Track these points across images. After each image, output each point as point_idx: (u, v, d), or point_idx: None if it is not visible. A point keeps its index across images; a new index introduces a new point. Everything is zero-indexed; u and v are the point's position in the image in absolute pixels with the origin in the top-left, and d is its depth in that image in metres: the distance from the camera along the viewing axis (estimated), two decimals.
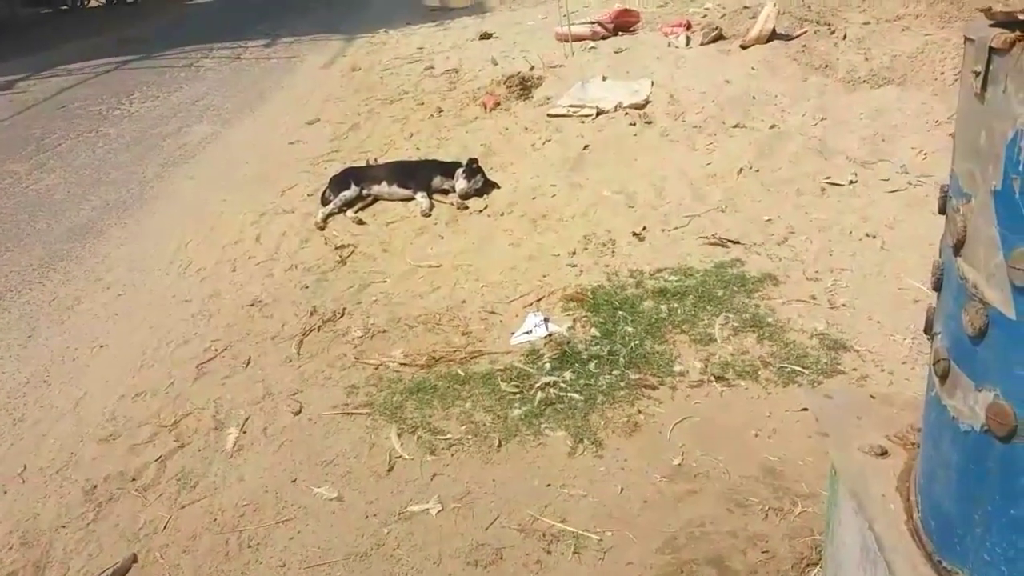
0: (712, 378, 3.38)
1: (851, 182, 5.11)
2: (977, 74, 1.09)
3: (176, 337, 4.13)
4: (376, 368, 3.68)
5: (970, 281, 1.16)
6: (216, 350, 3.96)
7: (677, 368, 3.46)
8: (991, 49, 1.07)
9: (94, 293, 4.70)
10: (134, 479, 3.05)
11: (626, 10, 10.46)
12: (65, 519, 2.85)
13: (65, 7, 21.99)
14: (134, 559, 2.60)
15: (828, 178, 5.18)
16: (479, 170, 5.82)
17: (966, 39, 1.15)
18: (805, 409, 3.17)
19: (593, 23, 10.13)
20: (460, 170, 5.78)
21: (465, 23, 13.78)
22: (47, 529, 2.83)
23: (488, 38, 11.59)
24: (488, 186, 5.85)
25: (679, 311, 3.85)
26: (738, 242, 4.47)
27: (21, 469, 3.15)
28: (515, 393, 3.38)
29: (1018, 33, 1.05)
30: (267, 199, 6.02)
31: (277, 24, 15.60)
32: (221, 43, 13.66)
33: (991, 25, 1.13)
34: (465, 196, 5.72)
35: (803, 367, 3.41)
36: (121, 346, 4.08)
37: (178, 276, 4.88)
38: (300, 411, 3.39)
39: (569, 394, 3.33)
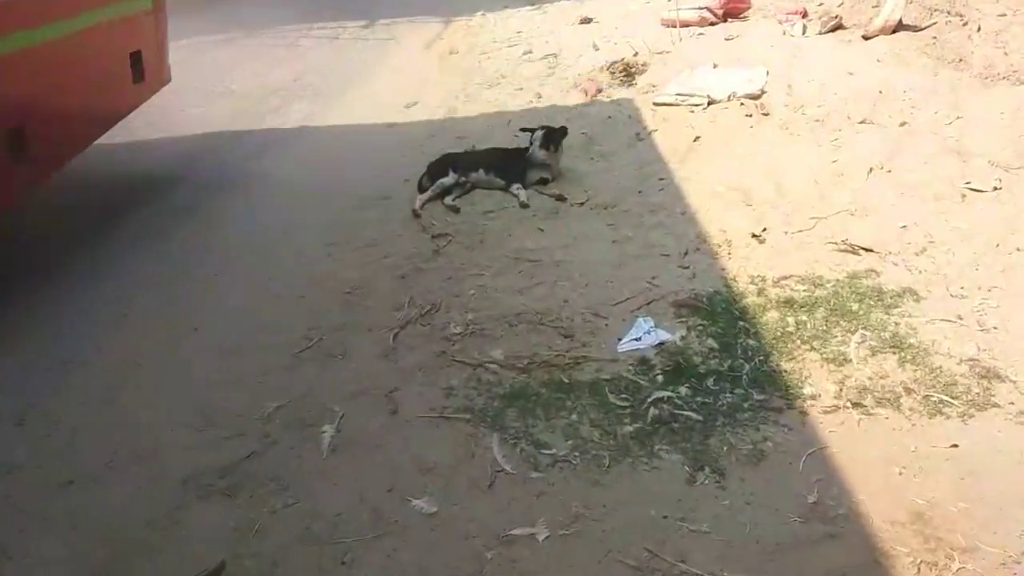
0: (848, 404, 3.05)
1: (995, 188, 4.63)
2: None
3: (270, 323, 4.02)
4: (475, 368, 3.47)
5: None
6: (310, 339, 3.82)
7: (808, 390, 3.13)
8: None
9: (190, 273, 4.65)
10: (223, 476, 2.92)
11: None
12: (152, 516, 2.74)
13: None
14: (223, 566, 2.47)
15: (968, 183, 4.70)
16: (557, 136, 5.55)
17: None
18: (956, 445, 2.82)
19: (701, 8, 9.65)
20: (539, 132, 5.52)
21: (564, 6, 13.42)
22: (134, 526, 2.72)
23: (588, 22, 11.23)
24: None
25: (808, 325, 3.51)
26: (872, 250, 4.08)
27: (111, 457, 3.06)
28: (625, 407, 3.12)
29: None
30: (366, 183, 5.89)
31: (374, 4, 15.58)
32: (319, 23, 13.67)
33: None
34: (532, 161, 5.48)
35: (951, 397, 3.04)
36: (214, 330, 3.99)
37: (275, 258, 4.79)
38: (396, 411, 3.22)
39: (685, 413, 3.05)
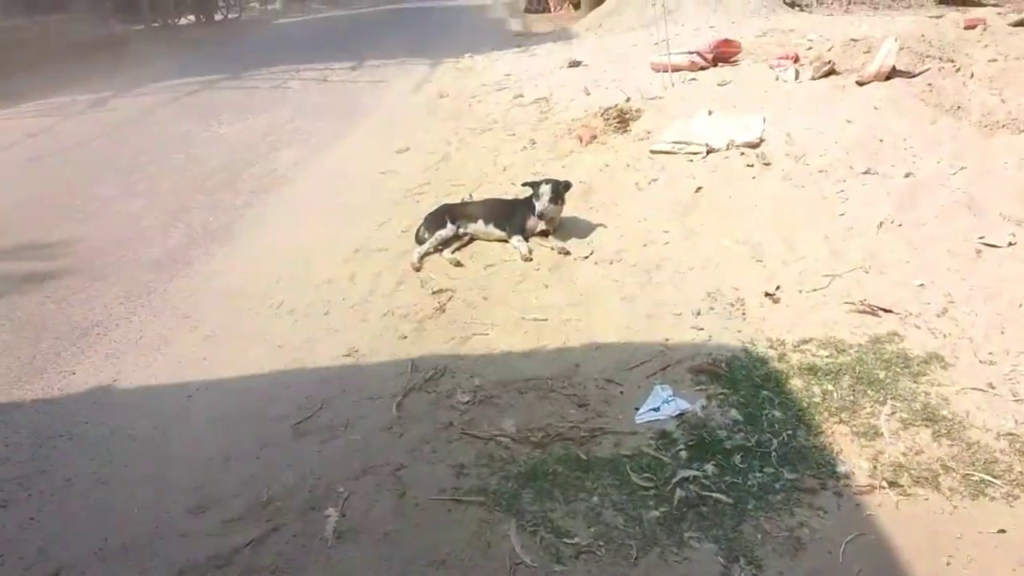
0: (884, 484, 2.88)
1: (1010, 244, 4.53)
2: None
3: (267, 390, 3.82)
4: (486, 443, 3.28)
5: None
6: (311, 408, 3.62)
7: (841, 468, 2.97)
8: None
9: (181, 333, 4.45)
10: (221, 567, 2.70)
11: (727, 40, 9.97)
12: None
13: (156, 24, 22.49)
14: None
15: (982, 238, 4.61)
16: (563, 190, 5.37)
17: None
18: (1003, 531, 2.66)
19: (691, 53, 9.66)
20: (545, 187, 5.28)
21: (551, 49, 13.48)
22: None
23: (577, 66, 11.24)
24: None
25: (835, 395, 3.35)
26: (891, 311, 3.95)
27: (100, 545, 2.84)
28: (649, 488, 2.93)
29: None
30: (360, 234, 5.74)
31: (362, 47, 15.57)
32: (307, 65, 13.64)
33: None
34: (542, 217, 5.30)
35: (993, 476, 2.89)
36: (210, 398, 3.78)
37: (269, 318, 4.60)
38: (404, 494, 3.01)
39: (714, 495, 2.87)
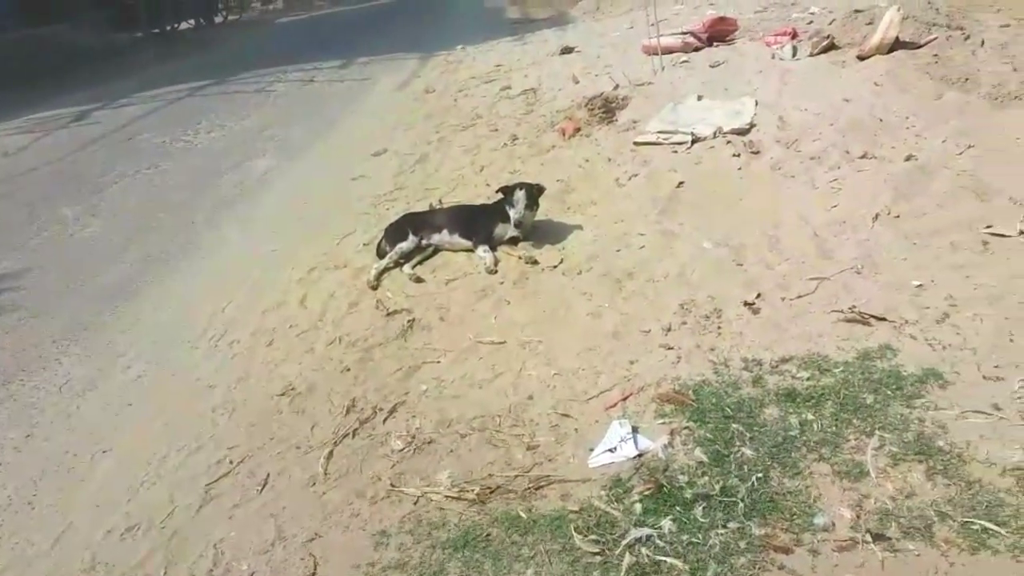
0: (868, 536, 2.45)
1: (1021, 232, 4.03)
2: None
3: (189, 440, 3.46)
4: (415, 502, 2.89)
5: None
6: (231, 463, 3.26)
7: (819, 520, 2.53)
8: None
9: (111, 375, 4.10)
10: None
11: (722, 18, 9.44)
12: None
13: (156, 30, 22.21)
14: None
15: (990, 227, 4.11)
16: (536, 194, 4.98)
17: None
18: None
19: (685, 33, 9.14)
20: (520, 192, 4.89)
21: (546, 36, 13.02)
22: None
23: (569, 52, 10.79)
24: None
25: (815, 427, 2.91)
26: (884, 318, 3.48)
27: None
28: (594, 553, 2.52)
29: None
30: (319, 250, 5.36)
31: (356, 42, 15.20)
32: (296, 65, 13.30)
33: None
34: (519, 225, 4.91)
35: (997, 523, 2.44)
36: (125, 452, 3.44)
37: (207, 352, 4.24)
38: (314, 572, 2.63)
39: (668, 560, 2.45)
